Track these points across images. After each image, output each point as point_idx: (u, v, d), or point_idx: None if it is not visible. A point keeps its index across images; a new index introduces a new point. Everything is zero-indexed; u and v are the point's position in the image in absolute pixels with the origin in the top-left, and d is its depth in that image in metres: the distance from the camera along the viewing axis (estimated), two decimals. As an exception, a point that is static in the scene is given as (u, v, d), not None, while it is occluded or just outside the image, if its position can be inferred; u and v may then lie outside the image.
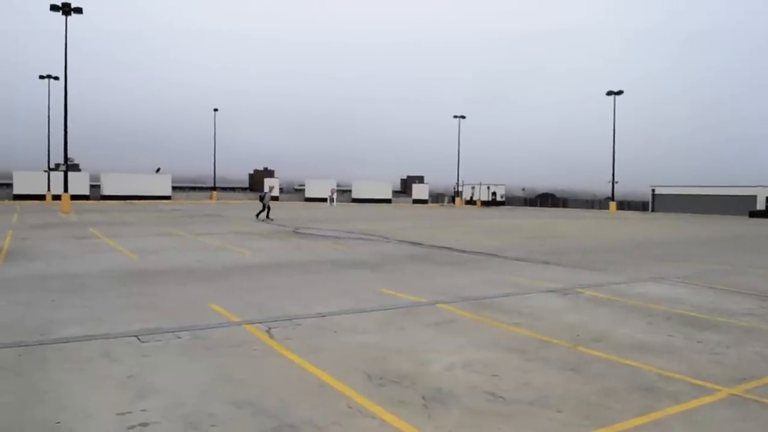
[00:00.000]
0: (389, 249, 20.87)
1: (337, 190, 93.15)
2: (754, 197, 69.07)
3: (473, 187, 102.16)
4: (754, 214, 64.63)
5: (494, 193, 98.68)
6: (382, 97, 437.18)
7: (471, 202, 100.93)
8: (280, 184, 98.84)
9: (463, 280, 14.26)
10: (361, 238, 25.00)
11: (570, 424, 6.21)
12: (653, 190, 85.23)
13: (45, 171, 74.65)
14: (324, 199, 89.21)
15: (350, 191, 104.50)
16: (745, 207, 68.61)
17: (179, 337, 8.91)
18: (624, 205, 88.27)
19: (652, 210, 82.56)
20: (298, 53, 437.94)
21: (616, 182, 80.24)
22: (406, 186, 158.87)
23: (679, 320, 10.63)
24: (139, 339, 8.80)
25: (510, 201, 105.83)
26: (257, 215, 40.51)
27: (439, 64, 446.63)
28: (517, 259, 18.57)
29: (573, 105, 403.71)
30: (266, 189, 68.87)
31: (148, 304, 11.09)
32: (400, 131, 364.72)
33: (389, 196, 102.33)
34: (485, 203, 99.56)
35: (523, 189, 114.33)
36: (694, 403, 6.83)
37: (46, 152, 72.93)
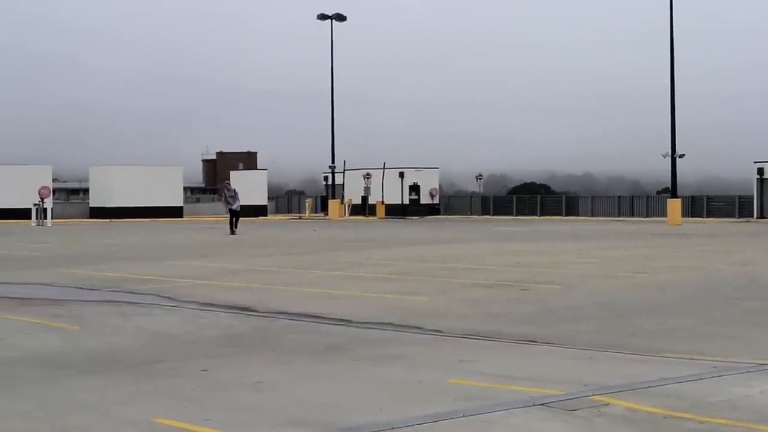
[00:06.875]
0: (175, 323, 10.94)
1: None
2: None
3: (368, 176, 59.05)
4: None
5: (414, 188, 53.42)
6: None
7: (364, 206, 58.25)
8: None
9: (343, 389, 6.88)
10: (110, 302, 13.04)
11: None
12: (761, 171, 47.23)
13: None
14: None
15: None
16: None
17: None
18: (697, 204, 51.81)
19: (760, 215, 46.86)
20: None
21: (681, 156, 41.89)
22: (214, 178, 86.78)
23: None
24: None
25: (454, 203, 63.90)
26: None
27: None
28: (464, 335, 9.65)
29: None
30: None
31: None
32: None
33: (179, 201, 54.95)
34: (410, 208, 54.34)
35: (479, 176, 67.59)
36: None
37: None
